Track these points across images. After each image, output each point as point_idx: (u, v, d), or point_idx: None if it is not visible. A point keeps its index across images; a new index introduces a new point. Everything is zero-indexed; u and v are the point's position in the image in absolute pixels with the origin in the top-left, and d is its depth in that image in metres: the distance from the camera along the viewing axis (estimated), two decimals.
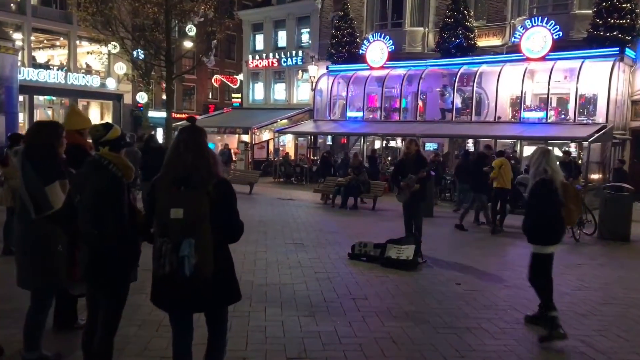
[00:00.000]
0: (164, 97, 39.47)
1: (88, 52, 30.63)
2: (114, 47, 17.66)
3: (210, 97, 42.23)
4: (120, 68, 25.71)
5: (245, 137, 26.83)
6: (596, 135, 16.61)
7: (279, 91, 30.36)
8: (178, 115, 37.71)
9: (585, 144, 16.92)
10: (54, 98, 31.67)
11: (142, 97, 24.61)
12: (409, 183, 8.29)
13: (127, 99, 35.74)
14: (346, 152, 22.42)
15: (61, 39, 32.20)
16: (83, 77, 31.31)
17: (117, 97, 33.54)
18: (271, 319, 5.07)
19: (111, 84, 32.09)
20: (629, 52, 18.35)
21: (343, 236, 9.93)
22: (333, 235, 10.02)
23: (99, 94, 32.72)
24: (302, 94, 29.10)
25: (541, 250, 5.21)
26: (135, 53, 19.32)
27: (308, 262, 7.47)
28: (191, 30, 16.72)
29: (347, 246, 8.21)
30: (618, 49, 17.83)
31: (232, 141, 28.98)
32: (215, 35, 15.78)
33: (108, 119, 34.50)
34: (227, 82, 37.64)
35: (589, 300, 6.16)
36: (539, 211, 5.01)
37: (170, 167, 2.93)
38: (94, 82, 31.74)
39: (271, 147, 27.07)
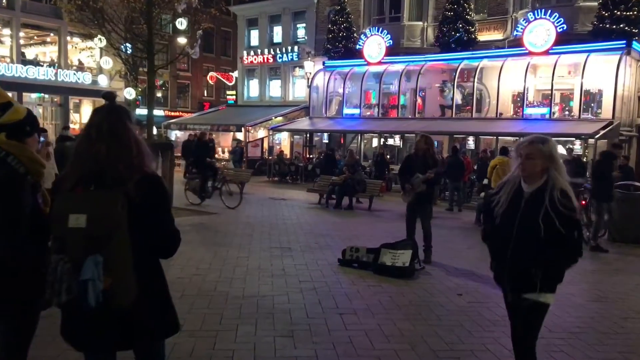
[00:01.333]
0: (158, 94, 39.33)
1: (75, 46, 29.94)
2: (99, 41, 16.85)
3: (205, 94, 41.50)
4: (107, 62, 24.94)
5: (240, 135, 26.08)
6: (602, 132, 15.89)
7: (275, 88, 29.62)
8: (172, 114, 37.03)
9: (591, 141, 16.18)
10: (44, 95, 30.91)
11: (130, 93, 23.86)
12: (413, 184, 7.59)
13: (120, 96, 35.01)
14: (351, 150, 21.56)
15: (52, 35, 31.43)
16: (74, 74, 30.55)
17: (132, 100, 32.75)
18: (242, 340, 4.33)
19: (103, 81, 31.27)
20: (636, 45, 17.61)
21: (335, 239, 9.20)
22: (324, 238, 9.29)
23: (90, 92, 31.88)
24: (298, 90, 28.36)
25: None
26: (123, 47, 18.51)
27: (293, 270, 6.74)
28: (182, 24, 15.87)
29: (338, 251, 7.49)
30: (625, 42, 17.12)
31: (227, 139, 28.28)
32: (200, 25, 14.97)
33: None
34: (222, 79, 36.86)
35: (609, 315, 5.43)
36: None
37: (77, 160, 2.20)
38: (85, 79, 30.99)
39: (266, 145, 26.30)
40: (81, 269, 1.98)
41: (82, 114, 32.66)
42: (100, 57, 28.59)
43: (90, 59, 32.13)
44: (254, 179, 22.65)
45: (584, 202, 10.47)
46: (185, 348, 4.05)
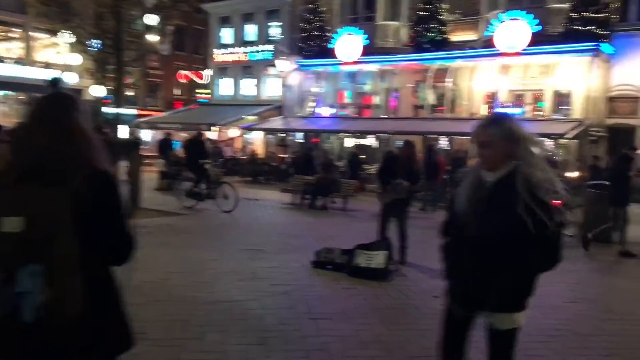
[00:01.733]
0: (129, 92, 38.49)
1: (41, 43, 29.06)
2: (66, 37, 16.30)
3: (177, 93, 40.76)
4: (75, 59, 24.24)
5: (211, 134, 25.62)
6: (573, 132, 16.06)
7: (248, 87, 29.24)
8: (143, 112, 36.27)
9: (563, 140, 16.34)
10: (9, 93, 29.91)
11: (98, 91, 23.23)
12: (397, 189, 7.44)
13: (89, 94, 34.07)
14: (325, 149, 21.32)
15: (16, 30, 30.44)
16: (40, 71, 29.63)
17: (77, 93, 31.86)
18: (209, 349, 4.09)
19: (71, 79, 30.44)
20: (604, 47, 17.88)
21: (309, 240, 8.99)
22: (298, 239, 9.08)
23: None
24: (271, 89, 28.05)
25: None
26: (91, 44, 17.96)
27: (265, 273, 6.50)
28: (152, 20, 15.42)
29: (312, 252, 7.27)
30: (594, 44, 17.35)
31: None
32: (170, 22, 14.56)
33: None
34: (194, 77, 36.29)
35: (587, 316, 5.35)
36: None
37: (15, 154, 1.93)
38: (52, 76, 30.05)
39: (238, 145, 25.94)
40: (17, 279, 1.73)
41: None
42: (68, 54, 27.83)
43: (58, 56, 31.26)
44: (226, 179, 22.32)
45: (558, 202, 10.49)
46: (147, 359, 3.79)
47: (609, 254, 9.17)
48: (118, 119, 11.76)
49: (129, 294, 5.05)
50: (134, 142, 12.77)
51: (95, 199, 1.90)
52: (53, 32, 20.68)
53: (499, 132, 2.43)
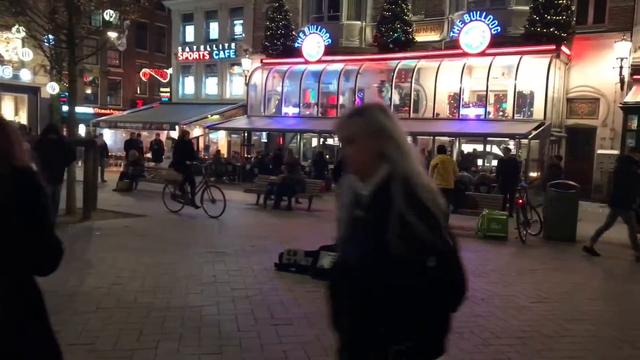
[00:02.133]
0: (88, 91, 37.38)
1: None
2: (18, 32, 15.56)
3: (138, 92, 39.82)
4: (26, 55, 23.31)
5: (173, 134, 25.03)
6: (535, 132, 16.27)
7: (211, 85, 28.74)
8: (102, 111, 35.26)
9: (525, 141, 16.54)
10: None
11: (53, 88, 22.38)
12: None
13: (45, 93, 32.93)
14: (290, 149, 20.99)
15: None
16: None
17: (32, 90, 30.77)
18: (162, 359, 3.81)
19: (26, 76, 29.35)
20: (565, 49, 18.20)
21: (273, 242, 8.74)
22: (261, 241, 8.82)
23: (11, 87, 29.93)
24: (235, 88, 27.64)
25: None
26: (45, 39, 17.21)
27: (226, 276, 6.23)
28: (112, 16, 14.86)
29: (276, 254, 7.04)
30: (555, 45, 17.63)
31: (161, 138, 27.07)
32: (127, 16, 14.06)
33: (23, 113, 31.68)
34: (156, 76, 35.51)
35: (552, 316, 5.28)
36: None
37: None
38: (5, 73, 28.90)
39: (202, 144, 25.43)
40: None
41: (3, 110, 30.46)
42: (22, 49, 26.75)
43: (12, 52, 30.04)
44: None
45: (520, 200, 10.55)
46: None
47: (567, 251, 9.24)
48: (73, 117, 11.20)
49: (77, 302, 4.73)
50: (90, 141, 12.20)
51: (13, 201, 1.64)
52: (6, 27, 19.77)
53: (363, 124, 1.81)
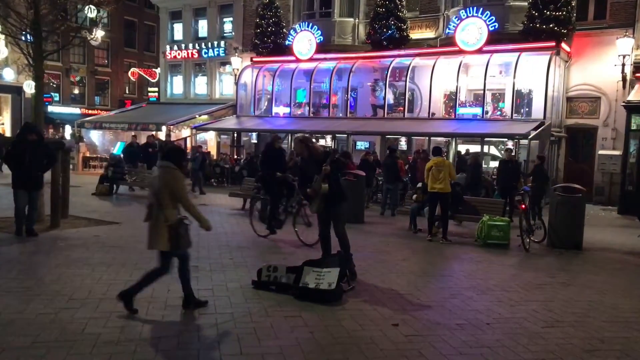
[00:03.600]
0: (75, 91, 36.46)
1: None
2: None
3: (127, 92, 38.97)
4: (1, 52, 22.45)
5: (161, 135, 24.21)
6: (535, 132, 15.58)
7: (200, 85, 27.91)
8: (90, 112, 34.36)
9: (524, 141, 15.84)
10: None
11: (30, 86, 21.53)
12: (314, 187, 6.54)
13: (29, 93, 32.05)
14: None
15: None
16: None
17: (16, 90, 29.82)
18: None
19: (9, 75, 28.47)
20: (564, 46, 17.54)
21: (255, 253, 8.02)
22: (242, 252, 8.07)
23: None
24: (225, 88, 26.84)
25: None
26: (23, 36, 16.36)
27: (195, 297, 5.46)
28: (92, 11, 14.05)
29: (255, 269, 6.28)
30: (554, 42, 16.96)
31: (144, 139, 26.21)
32: (103, 5, 13.22)
33: (6, 114, 30.75)
34: (145, 75, 34.63)
35: (570, 346, 4.55)
36: None
37: None
38: None
39: (189, 146, 24.58)
40: None
41: None
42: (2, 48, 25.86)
43: None
44: None
45: (523, 205, 9.84)
46: None
47: (575, 262, 8.53)
48: (40, 116, 10.41)
49: (11, 334, 3.90)
50: (58, 142, 11.36)
51: None
52: None
53: None
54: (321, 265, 5.94)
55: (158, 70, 31.00)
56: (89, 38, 12.41)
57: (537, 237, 9.96)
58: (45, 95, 33.36)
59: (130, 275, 6.23)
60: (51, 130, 32.23)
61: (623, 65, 16.84)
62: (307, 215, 8.77)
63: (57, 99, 34.68)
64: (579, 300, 6.11)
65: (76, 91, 36.38)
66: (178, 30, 28.53)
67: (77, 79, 36.08)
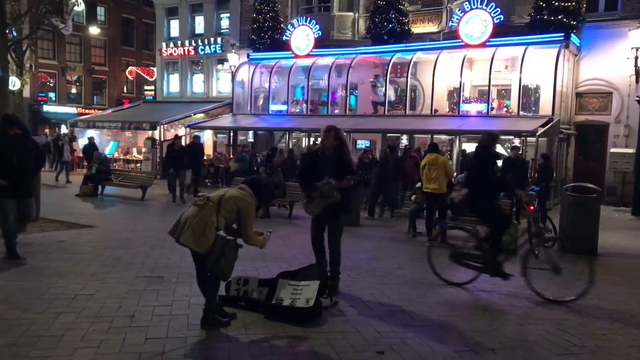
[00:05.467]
0: (72, 90, 35.80)
1: None
2: None
3: (125, 91, 38.30)
4: None
5: (155, 133, 23.46)
6: (543, 129, 14.71)
7: (197, 83, 27.18)
8: (86, 111, 33.70)
9: (532, 139, 14.97)
10: None
11: (13, 83, 20.75)
12: (323, 191, 5.68)
13: (26, 92, 31.37)
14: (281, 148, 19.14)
15: None
16: None
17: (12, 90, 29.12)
18: None
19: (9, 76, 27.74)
20: (574, 38, 16.66)
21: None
22: None
23: None
24: (222, 86, 26.09)
25: None
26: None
27: (147, 317, 4.67)
28: (79, 4, 13.28)
29: (232, 279, 5.46)
30: (563, 34, 16.09)
31: (141, 138, 25.55)
32: None
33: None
34: (142, 74, 34.03)
35: None
36: None
37: None
38: None
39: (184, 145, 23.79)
40: None
41: None
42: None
43: None
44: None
45: (532, 207, 8.98)
46: None
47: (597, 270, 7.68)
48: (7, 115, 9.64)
49: None
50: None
51: None
52: None
53: None
54: (298, 277, 5.13)
55: (155, 69, 30.32)
56: (60, 28, 11.59)
57: (547, 242, 9.09)
58: (40, 95, 32.85)
59: (81, 288, 5.44)
60: (47, 130, 31.59)
61: (636, 58, 15.93)
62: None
63: (53, 98, 34.03)
64: (599, 317, 5.28)
65: (73, 90, 35.73)
66: (174, 27, 27.83)
67: (75, 77, 35.42)
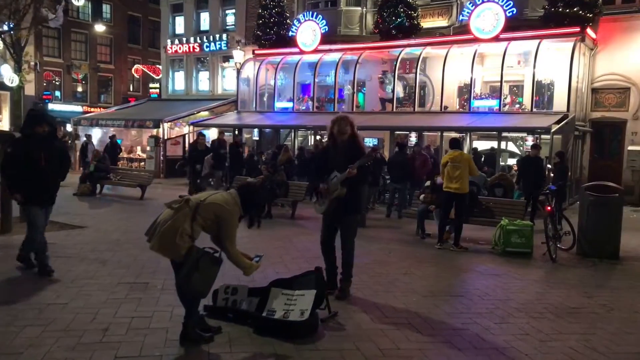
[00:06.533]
0: (78, 88, 35.51)
1: None
2: None
3: (131, 89, 37.97)
4: None
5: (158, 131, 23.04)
6: (558, 126, 14.08)
7: (202, 80, 26.75)
8: (92, 109, 33.39)
9: (546, 136, 14.34)
10: None
11: (12, 80, 20.49)
12: (329, 186, 5.20)
13: (29, 90, 31.15)
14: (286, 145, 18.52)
15: None
16: None
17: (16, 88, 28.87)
18: None
19: (6, 72, 27.54)
20: (590, 32, 15.99)
21: (228, 265, 6.69)
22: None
23: None
24: (228, 83, 25.64)
25: None
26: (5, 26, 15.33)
27: (122, 328, 4.19)
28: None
29: (223, 285, 4.97)
30: (579, 28, 15.44)
31: (146, 137, 25.15)
32: None
33: (5, 112, 29.88)
34: (149, 72, 33.71)
35: None
36: None
37: None
38: None
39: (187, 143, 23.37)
40: None
41: None
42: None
43: None
44: (173, 181, 19.87)
45: (549, 207, 8.43)
46: None
47: (616, 276, 7.11)
48: None
49: None
50: (6, 134, 10.00)
51: None
52: None
53: None
54: (293, 286, 4.62)
55: (160, 66, 29.97)
56: (49, 19, 11.14)
57: (565, 244, 8.55)
58: (45, 93, 32.58)
59: (56, 296, 4.97)
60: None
61: None
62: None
63: (58, 96, 33.77)
64: (630, 332, 4.72)
65: (79, 89, 35.45)
66: (179, 24, 27.43)
67: (81, 76, 35.12)
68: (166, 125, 22.51)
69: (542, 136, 14.64)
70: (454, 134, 17.05)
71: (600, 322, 4.97)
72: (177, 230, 3.80)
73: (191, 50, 26.35)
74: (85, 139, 19.38)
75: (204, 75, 26.74)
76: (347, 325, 4.54)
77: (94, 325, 4.25)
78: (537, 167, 11.19)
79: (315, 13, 20.75)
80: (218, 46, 25.39)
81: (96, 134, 25.80)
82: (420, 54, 18.02)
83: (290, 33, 21.29)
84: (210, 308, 4.66)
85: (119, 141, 22.17)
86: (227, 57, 25.06)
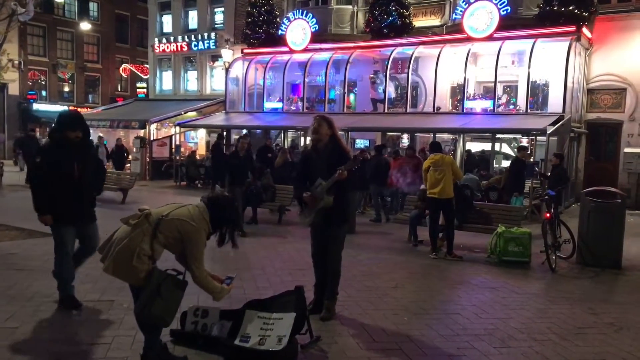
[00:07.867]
0: (65, 88, 34.85)
1: None
2: None
3: (119, 89, 37.32)
4: None
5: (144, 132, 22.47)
6: (553, 127, 13.68)
7: (191, 80, 26.20)
8: (80, 109, 32.72)
9: (542, 138, 13.94)
10: None
11: None
12: (314, 194, 4.74)
13: (13, 90, 30.49)
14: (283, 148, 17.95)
15: None
16: None
17: None
18: None
19: None
20: (585, 31, 15.63)
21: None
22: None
23: None
24: (216, 83, 25.11)
25: None
26: None
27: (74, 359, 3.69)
28: None
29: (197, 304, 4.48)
30: (574, 27, 15.07)
31: (130, 137, 24.55)
32: None
33: None
34: (136, 72, 33.03)
35: None
36: None
37: None
38: None
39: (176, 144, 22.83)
40: None
41: None
42: None
43: None
44: (159, 183, 19.34)
45: (548, 214, 8.00)
46: None
47: (618, 289, 6.69)
48: None
49: None
50: None
51: None
52: None
53: None
54: (270, 308, 4.14)
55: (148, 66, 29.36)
56: (18, 12, 10.62)
57: (564, 253, 8.13)
58: (30, 92, 31.90)
59: (7, 318, 4.46)
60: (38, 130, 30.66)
61: None
62: None
63: (44, 95, 33.09)
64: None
65: (65, 88, 34.77)
66: (167, 22, 26.87)
67: (68, 75, 34.45)
68: (152, 126, 21.94)
69: (538, 138, 14.24)
70: (447, 136, 16.73)
71: (610, 344, 4.52)
72: (133, 251, 3.31)
73: (179, 49, 25.81)
74: (97, 141, 18.82)
75: (192, 75, 26.21)
76: (330, 352, 4.06)
77: (40, 355, 3.74)
78: (529, 172, 10.78)
79: (305, 11, 20.30)
80: (206, 45, 24.88)
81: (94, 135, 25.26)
82: (413, 53, 17.60)
83: (280, 32, 20.84)
84: (177, 333, 4.17)
85: (105, 142, 21.57)
86: (216, 56, 24.54)
